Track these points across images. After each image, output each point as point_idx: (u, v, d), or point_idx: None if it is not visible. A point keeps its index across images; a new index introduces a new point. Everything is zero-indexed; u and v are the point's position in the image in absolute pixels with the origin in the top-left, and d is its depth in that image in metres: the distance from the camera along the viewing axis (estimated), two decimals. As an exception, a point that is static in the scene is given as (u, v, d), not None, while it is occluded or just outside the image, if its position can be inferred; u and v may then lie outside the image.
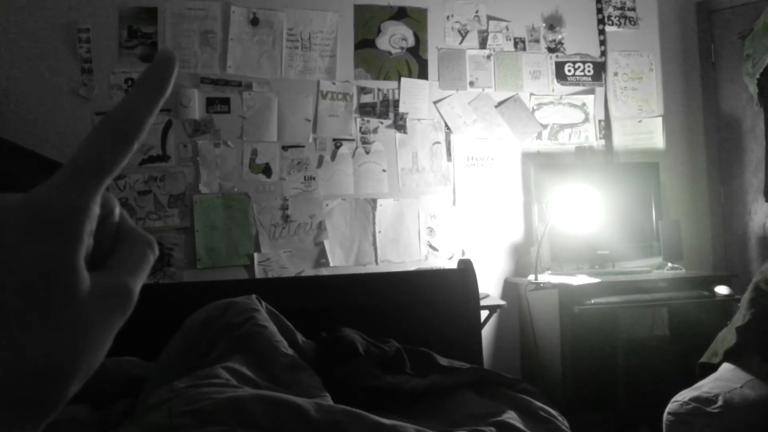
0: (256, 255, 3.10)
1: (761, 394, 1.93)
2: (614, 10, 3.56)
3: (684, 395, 1.95)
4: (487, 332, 3.08)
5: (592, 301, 2.68)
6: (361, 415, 1.22)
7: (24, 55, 2.97)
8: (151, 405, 1.23)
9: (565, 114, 3.49)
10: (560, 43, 3.50)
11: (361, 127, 3.26)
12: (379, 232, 3.24)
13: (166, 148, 3.06)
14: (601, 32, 3.55)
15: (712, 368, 2.15)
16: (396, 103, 3.30)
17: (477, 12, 3.42)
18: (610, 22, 3.56)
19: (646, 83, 3.58)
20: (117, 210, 0.35)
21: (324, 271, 3.15)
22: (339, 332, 1.81)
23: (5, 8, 2.96)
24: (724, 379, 2.01)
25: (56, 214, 0.30)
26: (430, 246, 3.29)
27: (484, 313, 2.71)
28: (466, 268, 2.31)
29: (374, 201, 3.24)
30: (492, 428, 1.45)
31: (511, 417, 1.52)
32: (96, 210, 0.32)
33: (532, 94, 3.45)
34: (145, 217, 3.02)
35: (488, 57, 3.42)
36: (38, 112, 2.96)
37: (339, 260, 3.19)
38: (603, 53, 3.54)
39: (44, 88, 2.98)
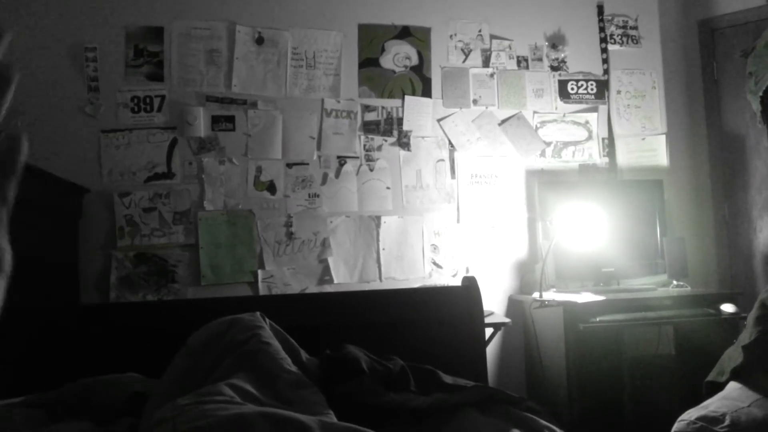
0: (260, 272, 3.10)
1: (769, 413, 1.90)
2: (616, 28, 3.59)
3: (691, 414, 1.93)
4: (491, 350, 3.06)
5: (597, 319, 2.66)
6: (365, 433, 1.21)
7: (31, 73, 3.00)
8: (154, 422, 1.22)
9: (569, 132, 3.50)
10: (563, 61, 3.52)
11: (365, 145, 3.27)
12: (383, 249, 3.24)
13: (171, 165, 3.08)
14: (604, 51, 3.57)
15: (719, 387, 2.13)
16: (400, 120, 3.31)
17: (480, 31, 3.45)
18: (612, 41, 3.58)
19: (649, 101, 3.59)
20: None
21: (328, 288, 3.15)
22: (343, 349, 1.80)
23: (12, 27, 3.00)
24: (731, 398, 1.99)
25: None
26: (434, 263, 3.29)
27: (488, 331, 2.69)
28: (470, 286, 2.31)
29: (378, 218, 3.25)
30: (497, 447, 1.44)
31: (516, 436, 1.50)
32: None
33: (535, 112, 3.47)
34: (150, 234, 3.03)
35: (491, 75, 3.44)
36: (45, 130, 2.98)
37: (343, 277, 3.19)
38: (606, 71, 3.56)
39: (51, 106, 3.01)
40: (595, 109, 3.54)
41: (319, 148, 3.23)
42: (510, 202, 3.40)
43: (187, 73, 3.14)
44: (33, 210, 2.46)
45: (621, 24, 3.60)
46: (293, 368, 1.57)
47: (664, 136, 3.59)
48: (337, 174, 3.23)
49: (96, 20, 3.08)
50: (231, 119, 3.15)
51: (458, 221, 3.34)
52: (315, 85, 3.26)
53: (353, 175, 3.25)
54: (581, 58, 3.55)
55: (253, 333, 1.63)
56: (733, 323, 2.74)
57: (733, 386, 2.08)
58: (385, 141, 3.30)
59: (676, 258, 3.10)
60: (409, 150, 3.32)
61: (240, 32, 3.19)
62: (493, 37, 3.46)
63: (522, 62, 3.49)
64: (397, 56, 3.36)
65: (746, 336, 2.15)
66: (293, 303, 2.41)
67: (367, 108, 3.30)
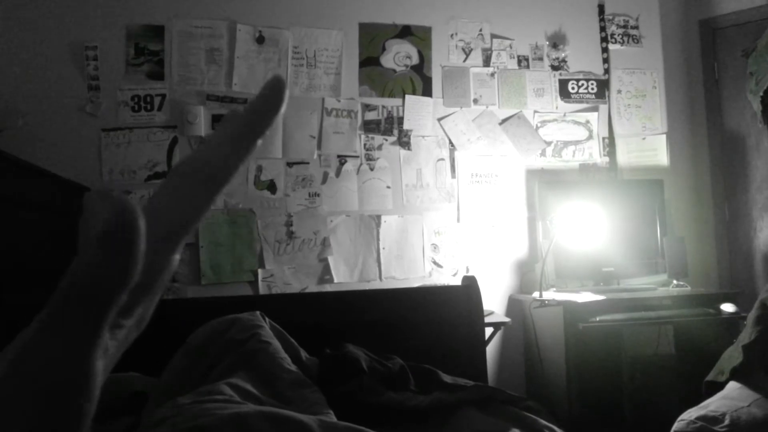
0: (260, 271, 3.10)
1: (768, 413, 1.90)
2: (617, 28, 3.59)
3: (690, 414, 1.94)
4: (491, 349, 3.06)
5: (597, 319, 2.66)
6: (364, 433, 1.21)
7: (32, 71, 3.00)
8: (154, 421, 1.22)
9: (569, 131, 3.50)
10: (564, 61, 3.52)
11: (365, 144, 3.27)
12: (384, 248, 3.24)
13: (171, 164, 3.08)
14: (605, 50, 3.57)
15: (719, 387, 2.13)
16: (400, 120, 3.31)
17: (481, 30, 3.45)
18: (613, 40, 3.58)
19: (649, 101, 3.59)
20: None
21: (328, 288, 3.15)
22: (343, 349, 1.81)
23: (13, 26, 3.00)
24: (731, 398, 1.99)
25: None
26: (435, 263, 3.29)
27: (488, 330, 2.69)
28: (470, 285, 2.31)
29: (378, 217, 3.25)
30: (496, 446, 1.44)
31: (515, 435, 1.50)
32: None
33: (535, 112, 3.47)
34: (150, 233, 3.02)
35: (492, 75, 3.44)
36: (45, 129, 2.98)
37: (343, 276, 3.19)
38: (606, 71, 3.56)
39: (51, 104, 3.01)
40: (595, 109, 3.54)
41: (319, 147, 3.23)
42: (510, 201, 3.40)
43: (187, 72, 3.14)
44: (33, 209, 2.46)
45: (622, 23, 3.60)
46: (293, 367, 1.57)
47: (664, 136, 3.59)
48: (338, 173, 3.23)
49: (97, 19, 3.08)
50: (231, 118, 3.15)
51: (458, 220, 3.34)
52: (315, 84, 3.26)
53: (353, 175, 3.25)
54: (582, 57, 3.55)
55: (252, 332, 1.63)
56: (733, 323, 2.74)
57: (732, 386, 2.08)
58: (386, 140, 3.30)
59: (676, 257, 3.10)
60: (409, 149, 3.32)
61: (241, 31, 3.19)
62: (493, 36, 3.46)
63: (522, 61, 3.49)
64: (398, 55, 3.36)
65: (746, 336, 2.15)
66: (293, 302, 2.41)
67: (367, 107, 3.29)
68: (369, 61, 3.32)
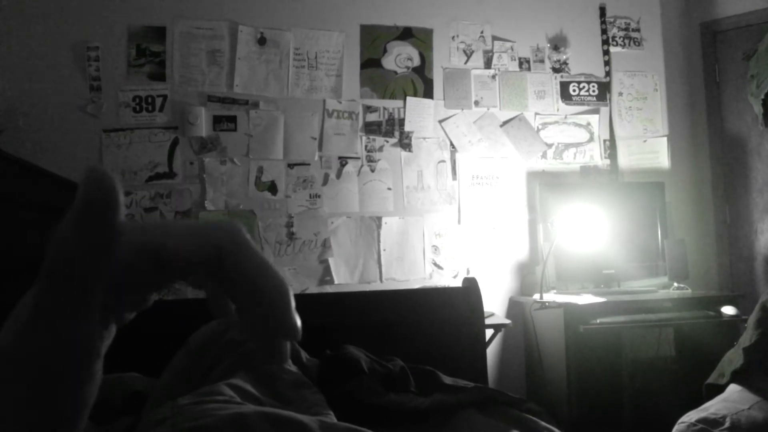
0: (260, 272, 3.09)
1: (769, 415, 1.90)
2: (619, 30, 3.59)
3: (691, 416, 1.93)
4: (492, 351, 3.06)
5: (598, 321, 2.66)
6: (364, 434, 1.21)
7: (33, 72, 3.00)
8: (154, 421, 1.22)
9: (570, 133, 3.50)
10: (565, 63, 3.52)
11: (366, 146, 3.27)
12: (384, 250, 3.24)
13: (172, 165, 3.08)
14: (606, 53, 3.57)
15: (719, 389, 2.13)
16: (401, 121, 3.32)
17: (482, 32, 3.45)
18: (614, 43, 3.58)
19: (650, 103, 3.59)
20: None
21: (328, 289, 3.15)
22: (343, 350, 1.80)
23: (15, 26, 3.00)
24: (732, 401, 1.99)
25: None
26: (435, 264, 3.29)
27: (489, 332, 2.69)
28: (470, 287, 2.30)
29: (379, 219, 3.25)
30: (497, 448, 1.44)
31: (516, 437, 1.50)
32: None
33: (537, 114, 3.47)
34: (151, 234, 3.02)
35: (493, 77, 3.44)
36: (46, 129, 2.99)
37: (343, 278, 3.19)
38: (608, 73, 3.56)
39: (52, 104, 3.01)
40: (596, 111, 3.54)
41: (320, 148, 3.23)
42: (511, 203, 3.40)
43: (189, 73, 3.14)
44: (34, 209, 2.46)
45: (623, 26, 3.60)
46: (293, 368, 1.57)
47: (665, 139, 3.59)
48: (339, 174, 3.24)
49: (98, 19, 3.09)
50: (233, 119, 3.15)
51: (459, 222, 3.34)
52: (317, 86, 3.26)
53: (354, 176, 3.25)
54: (583, 59, 3.55)
55: (253, 333, 1.62)
56: (734, 326, 2.74)
57: (733, 388, 2.08)
58: (387, 142, 3.30)
59: (676, 260, 3.09)
60: (410, 151, 3.32)
61: (242, 32, 3.19)
62: (495, 38, 3.46)
63: (524, 64, 3.49)
64: (399, 57, 3.36)
65: (747, 338, 2.15)
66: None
67: (368, 109, 3.30)
68: (370, 63, 3.33)
